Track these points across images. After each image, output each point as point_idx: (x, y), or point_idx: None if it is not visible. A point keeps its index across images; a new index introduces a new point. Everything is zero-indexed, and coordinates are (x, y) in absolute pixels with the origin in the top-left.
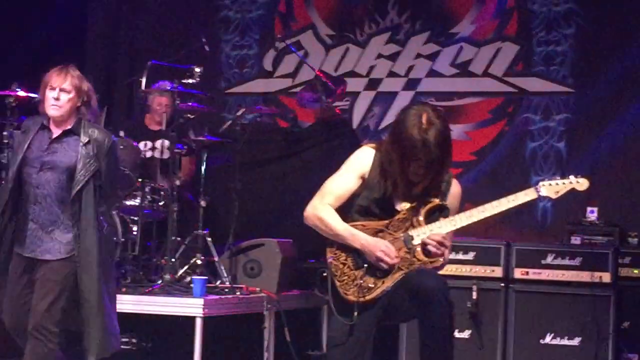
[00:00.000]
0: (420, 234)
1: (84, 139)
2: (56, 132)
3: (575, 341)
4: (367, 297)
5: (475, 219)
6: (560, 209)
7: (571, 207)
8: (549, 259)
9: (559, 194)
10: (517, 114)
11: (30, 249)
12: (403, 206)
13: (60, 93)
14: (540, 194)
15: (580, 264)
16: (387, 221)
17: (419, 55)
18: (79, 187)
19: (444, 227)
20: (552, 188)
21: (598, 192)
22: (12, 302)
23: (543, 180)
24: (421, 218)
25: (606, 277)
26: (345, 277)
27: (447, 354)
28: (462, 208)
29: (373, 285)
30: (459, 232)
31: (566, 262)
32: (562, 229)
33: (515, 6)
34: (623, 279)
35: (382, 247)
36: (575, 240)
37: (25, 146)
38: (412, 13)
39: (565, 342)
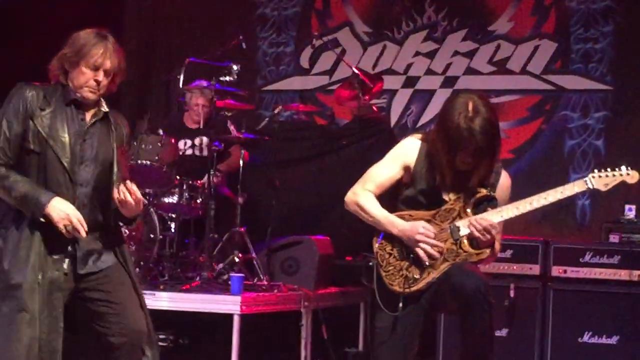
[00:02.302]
0: (467, 224)
1: (113, 125)
2: (89, 114)
3: (614, 340)
4: (413, 289)
5: (523, 211)
6: (598, 206)
7: (609, 205)
8: (587, 257)
9: (609, 187)
10: (555, 112)
11: (83, 262)
12: (450, 196)
13: (103, 76)
14: (590, 186)
15: (619, 262)
16: (434, 211)
17: (456, 53)
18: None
19: (490, 218)
20: (601, 180)
21: (637, 190)
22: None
23: (592, 172)
24: (468, 209)
25: None
26: (391, 268)
27: (487, 356)
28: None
29: (419, 277)
30: None
31: (604, 260)
32: (600, 227)
33: (553, 3)
34: None
35: (419, 230)
36: (614, 238)
37: (55, 132)
38: (449, 11)
39: (604, 340)
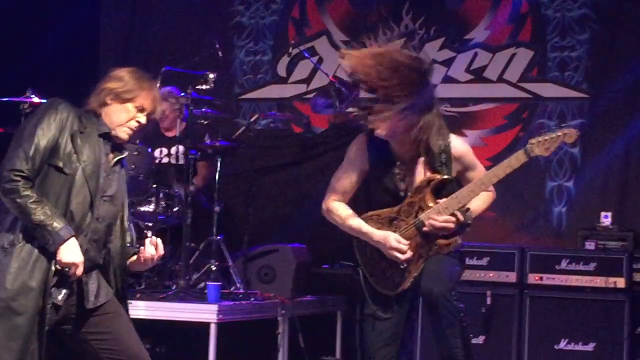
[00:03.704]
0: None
1: (125, 168)
2: (112, 152)
3: (590, 346)
4: (400, 289)
5: (478, 192)
6: (574, 214)
7: (585, 212)
8: (563, 265)
9: (550, 150)
10: (532, 120)
11: (87, 296)
12: (409, 189)
13: (145, 120)
14: (531, 154)
15: (595, 269)
16: (397, 207)
17: (433, 61)
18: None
19: (450, 206)
20: (542, 145)
21: (612, 197)
22: None
23: (531, 139)
24: (429, 201)
25: (620, 283)
26: (376, 271)
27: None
28: (478, 214)
29: (401, 278)
30: (472, 238)
31: (580, 267)
32: (576, 234)
33: (530, 12)
34: (637, 284)
35: (391, 244)
36: (590, 245)
37: (87, 157)
38: (426, 19)
39: (580, 347)
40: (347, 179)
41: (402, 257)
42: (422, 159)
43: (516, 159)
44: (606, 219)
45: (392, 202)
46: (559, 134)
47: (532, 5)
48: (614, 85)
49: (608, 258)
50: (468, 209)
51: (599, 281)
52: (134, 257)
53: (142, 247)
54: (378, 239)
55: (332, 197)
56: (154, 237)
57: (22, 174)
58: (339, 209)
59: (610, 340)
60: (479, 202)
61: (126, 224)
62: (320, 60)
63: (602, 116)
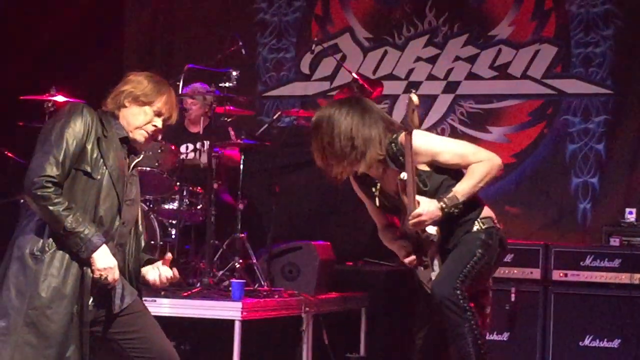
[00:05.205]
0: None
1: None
2: (132, 155)
3: (615, 343)
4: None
5: (411, 179)
6: (598, 210)
7: (610, 209)
8: (588, 261)
9: (417, 122)
10: (556, 116)
11: (116, 302)
12: (380, 202)
13: (161, 125)
14: (410, 129)
15: (619, 266)
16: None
17: (457, 58)
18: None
19: (409, 201)
20: (411, 119)
21: (637, 193)
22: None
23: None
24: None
25: None
26: (421, 275)
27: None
28: (502, 211)
29: (429, 278)
30: None
31: (605, 263)
32: (600, 230)
33: (553, 8)
34: None
35: (399, 252)
36: (614, 241)
37: (113, 162)
38: (450, 16)
39: (605, 344)
40: (371, 210)
41: (407, 259)
42: (389, 170)
43: (406, 140)
44: (631, 215)
45: (395, 212)
46: (408, 105)
47: (556, 1)
48: (639, 80)
49: (633, 254)
50: (449, 191)
51: (624, 277)
52: (150, 276)
53: (160, 260)
54: (393, 249)
55: (378, 229)
56: (169, 254)
57: (53, 180)
58: (383, 239)
59: (635, 336)
60: (466, 178)
61: (140, 227)
62: (344, 58)
63: (627, 112)
